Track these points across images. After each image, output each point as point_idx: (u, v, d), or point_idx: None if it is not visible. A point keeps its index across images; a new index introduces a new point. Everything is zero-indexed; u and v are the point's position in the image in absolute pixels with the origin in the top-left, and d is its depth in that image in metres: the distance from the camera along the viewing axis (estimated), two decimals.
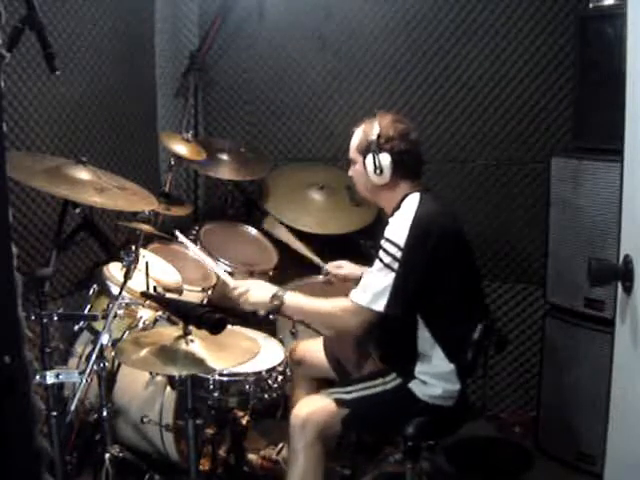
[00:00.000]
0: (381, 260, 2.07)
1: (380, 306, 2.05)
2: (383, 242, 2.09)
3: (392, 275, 2.05)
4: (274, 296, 2.18)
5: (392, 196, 2.21)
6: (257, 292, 2.22)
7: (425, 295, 2.10)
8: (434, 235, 2.08)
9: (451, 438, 2.34)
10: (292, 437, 2.11)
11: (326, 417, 2.11)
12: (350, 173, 2.32)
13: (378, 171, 2.16)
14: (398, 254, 2.05)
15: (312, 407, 2.14)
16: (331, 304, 2.16)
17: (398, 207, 2.17)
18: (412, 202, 2.14)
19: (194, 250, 2.55)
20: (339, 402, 2.13)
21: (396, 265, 2.05)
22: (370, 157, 2.17)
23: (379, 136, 2.16)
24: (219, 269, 2.52)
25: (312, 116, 3.50)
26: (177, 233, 2.50)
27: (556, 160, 2.74)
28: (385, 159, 2.15)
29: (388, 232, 2.11)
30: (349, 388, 2.19)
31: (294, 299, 2.20)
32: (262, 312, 2.33)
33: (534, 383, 3.10)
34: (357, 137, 2.26)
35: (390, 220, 2.16)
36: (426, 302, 2.12)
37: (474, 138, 3.21)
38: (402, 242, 2.06)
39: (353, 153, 2.27)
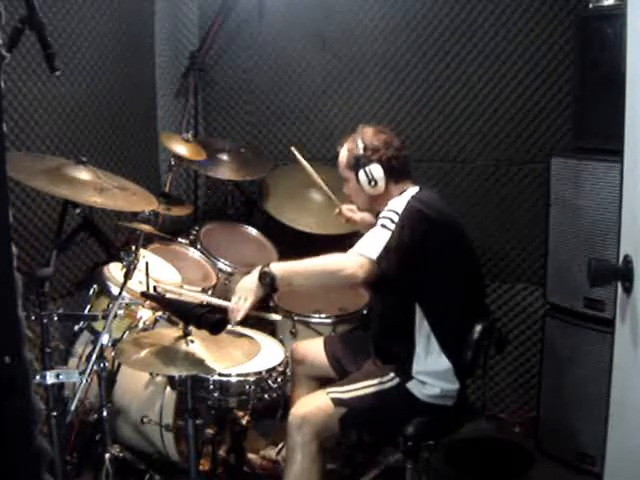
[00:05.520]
0: (381, 224, 2.14)
1: (374, 255, 2.06)
2: (383, 212, 2.17)
3: (388, 233, 2.10)
4: (261, 275, 2.05)
5: (391, 197, 2.25)
6: (246, 286, 2.07)
7: (420, 276, 2.13)
8: (429, 216, 2.15)
9: (451, 438, 2.34)
10: (289, 435, 2.12)
11: (323, 417, 2.12)
12: (345, 191, 2.38)
13: (372, 182, 2.24)
14: (395, 218, 2.12)
15: (310, 407, 2.15)
16: (323, 257, 2.13)
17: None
18: (413, 190, 2.23)
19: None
20: (336, 402, 2.14)
21: (392, 226, 2.11)
22: (362, 171, 2.24)
23: (365, 149, 2.24)
24: (214, 300, 2.32)
25: (312, 116, 3.50)
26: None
27: (556, 160, 2.75)
28: (376, 169, 2.23)
29: (389, 204, 2.19)
30: (346, 387, 2.20)
31: (282, 266, 2.12)
32: (271, 303, 2.30)
33: (534, 383, 3.10)
34: (343, 155, 2.33)
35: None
36: (422, 287, 2.16)
37: (474, 138, 3.21)
38: (400, 209, 2.13)
39: (344, 172, 2.33)
